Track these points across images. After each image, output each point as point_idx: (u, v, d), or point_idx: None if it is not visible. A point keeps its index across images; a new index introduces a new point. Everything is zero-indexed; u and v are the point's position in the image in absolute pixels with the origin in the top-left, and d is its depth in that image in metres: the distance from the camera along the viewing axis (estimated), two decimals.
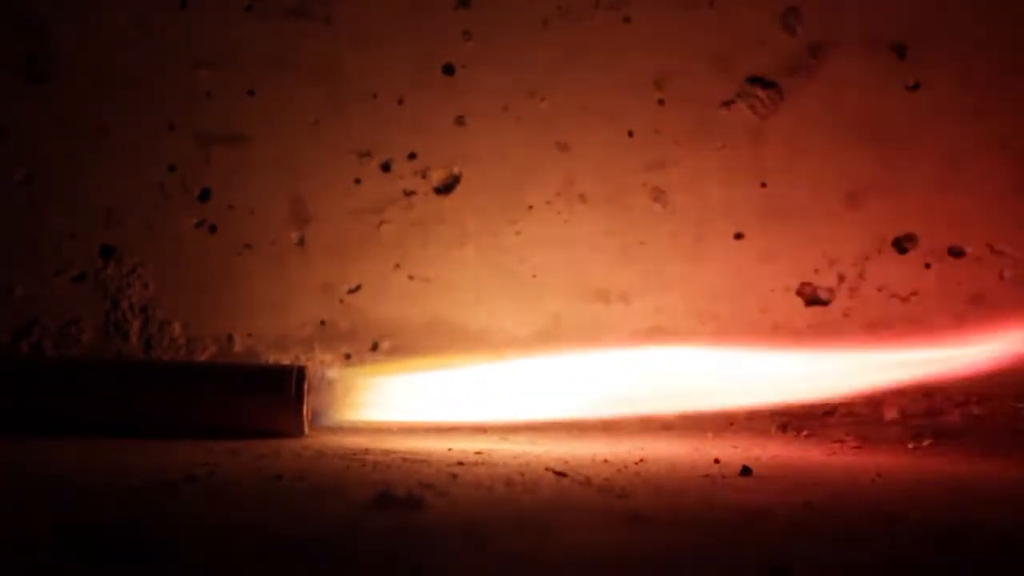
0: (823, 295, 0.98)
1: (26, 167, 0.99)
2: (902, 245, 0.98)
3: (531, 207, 0.99)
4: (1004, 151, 0.98)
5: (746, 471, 0.77)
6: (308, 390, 0.88)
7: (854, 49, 0.98)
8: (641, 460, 0.81)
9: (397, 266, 1.00)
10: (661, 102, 0.99)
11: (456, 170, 0.99)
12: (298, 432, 0.88)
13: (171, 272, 1.00)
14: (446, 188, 0.99)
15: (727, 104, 0.99)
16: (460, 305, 0.99)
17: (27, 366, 0.92)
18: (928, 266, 0.98)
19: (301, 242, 1.00)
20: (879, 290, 0.98)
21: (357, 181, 1.00)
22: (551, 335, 0.98)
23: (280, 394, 0.88)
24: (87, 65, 0.99)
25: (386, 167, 1.00)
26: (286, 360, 0.98)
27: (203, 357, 0.99)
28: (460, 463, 0.78)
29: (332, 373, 0.92)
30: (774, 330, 0.98)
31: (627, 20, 0.98)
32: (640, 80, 0.99)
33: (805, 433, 0.96)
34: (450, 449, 0.84)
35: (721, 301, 0.98)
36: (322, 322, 0.99)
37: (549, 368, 0.91)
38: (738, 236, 0.99)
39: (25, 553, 0.54)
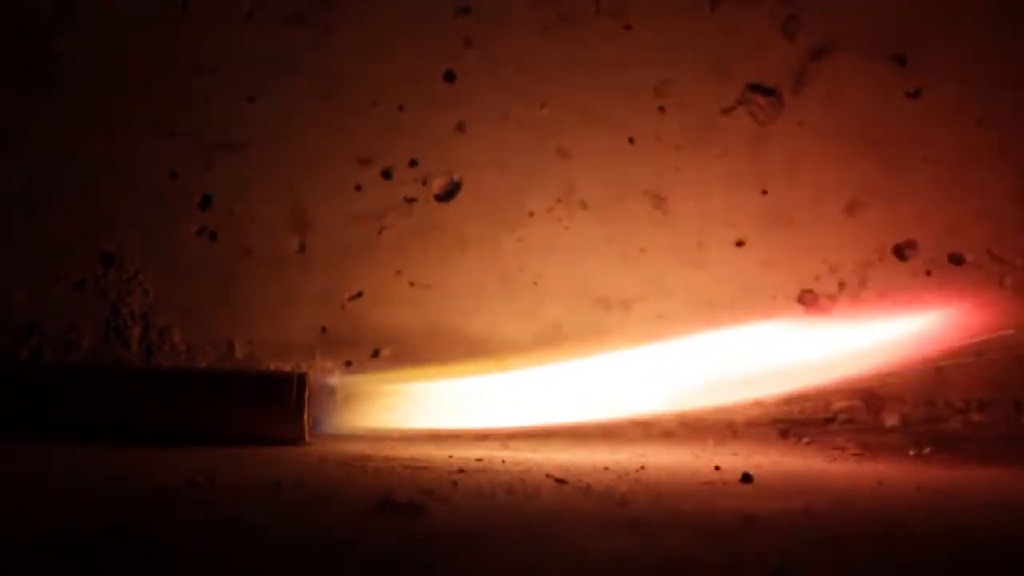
0: (824, 302, 0.98)
1: (26, 174, 0.99)
2: (903, 252, 0.98)
3: (532, 214, 0.99)
4: (1004, 158, 0.98)
5: (747, 478, 0.77)
6: (309, 397, 0.88)
7: (855, 56, 0.98)
8: (642, 467, 0.81)
9: (398, 273, 1.00)
10: (662, 109, 0.99)
11: (457, 177, 1.00)
12: (299, 439, 0.88)
13: (171, 279, 1.00)
14: (447, 195, 1.00)
15: (728, 111, 0.99)
16: (461, 312, 0.99)
17: (27, 372, 0.92)
18: (929, 273, 0.98)
19: (302, 249, 1.00)
20: (880, 297, 0.98)
21: (358, 188, 1.00)
22: (551, 342, 0.98)
23: (281, 401, 0.88)
24: (87, 71, 0.99)
25: (387, 174, 1.00)
26: (287, 367, 0.98)
27: (203, 364, 0.99)
28: (461, 470, 0.78)
29: (333, 380, 0.92)
30: None
31: (628, 27, 0.99)
32: (641, 87, 0.99)
33: (806, 440, 0.96)
34: (451, 456, 0.84)
35: (722, 308, 0.98)
36: (323, 329, 0.99)
37: (549, 375, 0.91)
38: (739, 243, 0.99)
39: (27, 557, 0.54)
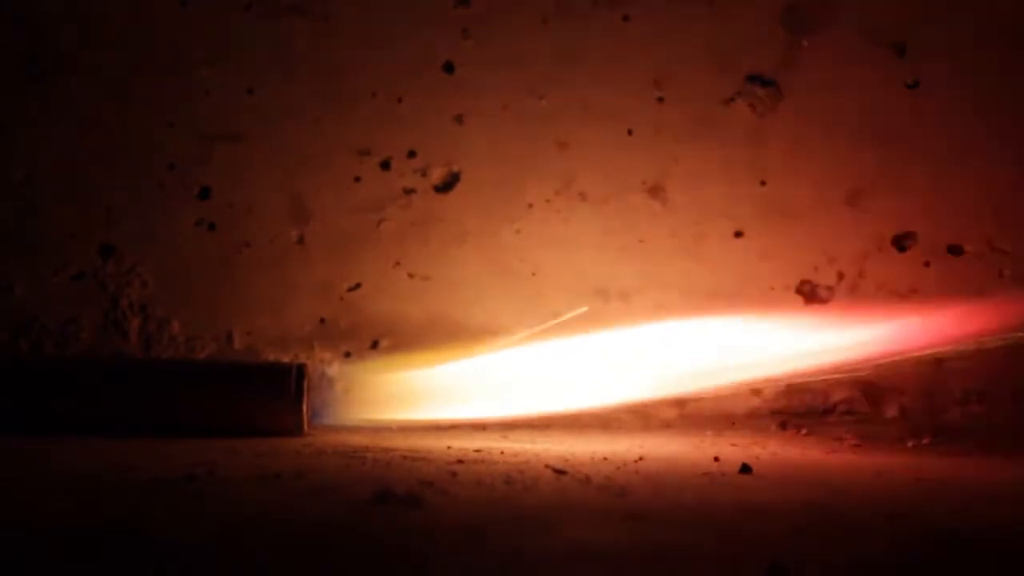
0: (822, 293, 0.98)
1: (26, 166, 0.99)
2: (901, 243, 0.98)
3: (531, 205, 0.99)
4: (1003, 149, 0.98)
5: (746, 469, 0.77)
6: (308, 388, 0.88)
7: (854, 47, 0.98)
8: (641, 458, 0.81)
9: (397, 264, 0.99)
10: (661, 100, 0.99)
11: (456, 168, 0.99)
12: (298, 430, 0.88)
13: (170, 270, 1.00)
14: (446, 186, 0.99)
15: (727, 102, 0.99)
16: (460, 303, 0.99)
17: (27, 365, 0.92)
18: (927, 264, 0.98)
19: (301, 240, 1.00)
20: (879, 288, 0.98)
21: (357, 179, 1.00)
22: (550, 333, 0.98)
23: (280, 392, 0.88)
24: (87, 63, 0.99)
25: (386, 165, 1.00)
26: (286, 358, 0.98)
27: (202, 355, 0.99)
28: (460, 461, 0.78)
29: (332, 371, 0.92)
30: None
31: (626, 19, 0.98)
32: (640, 78, 0.99)
33: (805, 431, 0.96)
34: (449, 447, 0.84)
35: (720, 299, 0.98)
36: (322, 320, 0.99)
37: (548, 366, 0.91)
38: (738, 234, 0.99)
39: (26, 551, 0.54)
